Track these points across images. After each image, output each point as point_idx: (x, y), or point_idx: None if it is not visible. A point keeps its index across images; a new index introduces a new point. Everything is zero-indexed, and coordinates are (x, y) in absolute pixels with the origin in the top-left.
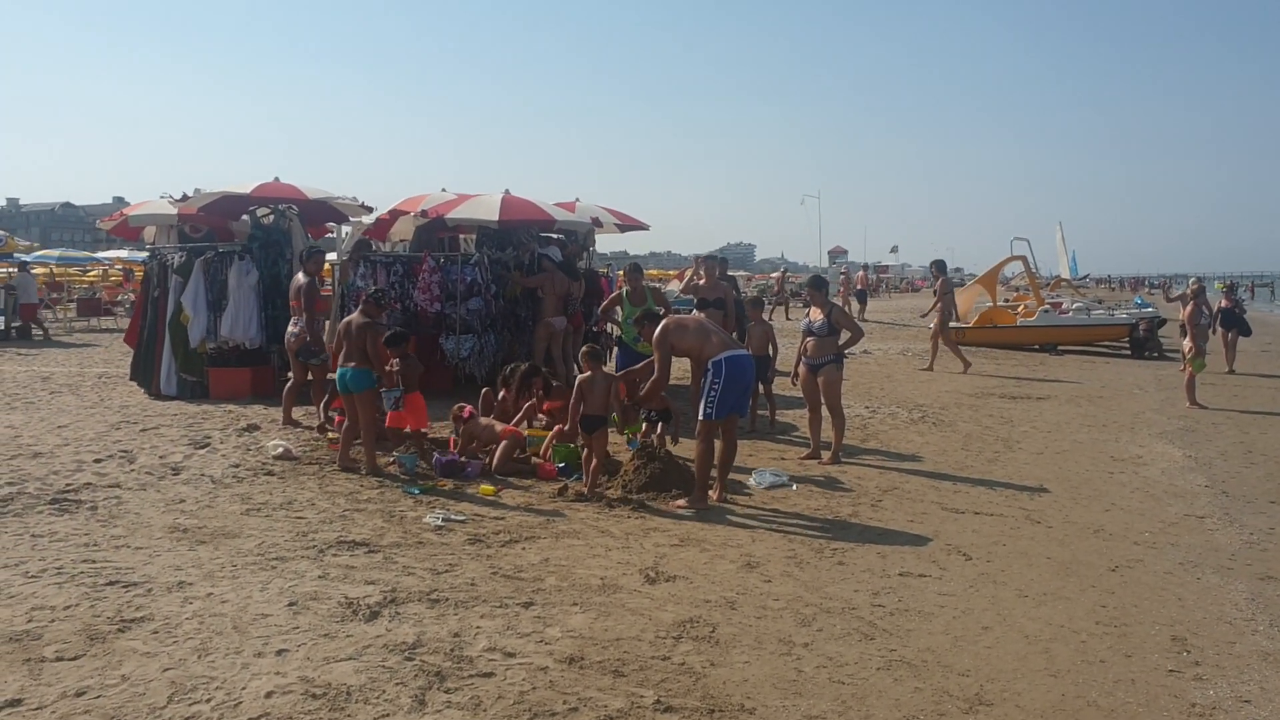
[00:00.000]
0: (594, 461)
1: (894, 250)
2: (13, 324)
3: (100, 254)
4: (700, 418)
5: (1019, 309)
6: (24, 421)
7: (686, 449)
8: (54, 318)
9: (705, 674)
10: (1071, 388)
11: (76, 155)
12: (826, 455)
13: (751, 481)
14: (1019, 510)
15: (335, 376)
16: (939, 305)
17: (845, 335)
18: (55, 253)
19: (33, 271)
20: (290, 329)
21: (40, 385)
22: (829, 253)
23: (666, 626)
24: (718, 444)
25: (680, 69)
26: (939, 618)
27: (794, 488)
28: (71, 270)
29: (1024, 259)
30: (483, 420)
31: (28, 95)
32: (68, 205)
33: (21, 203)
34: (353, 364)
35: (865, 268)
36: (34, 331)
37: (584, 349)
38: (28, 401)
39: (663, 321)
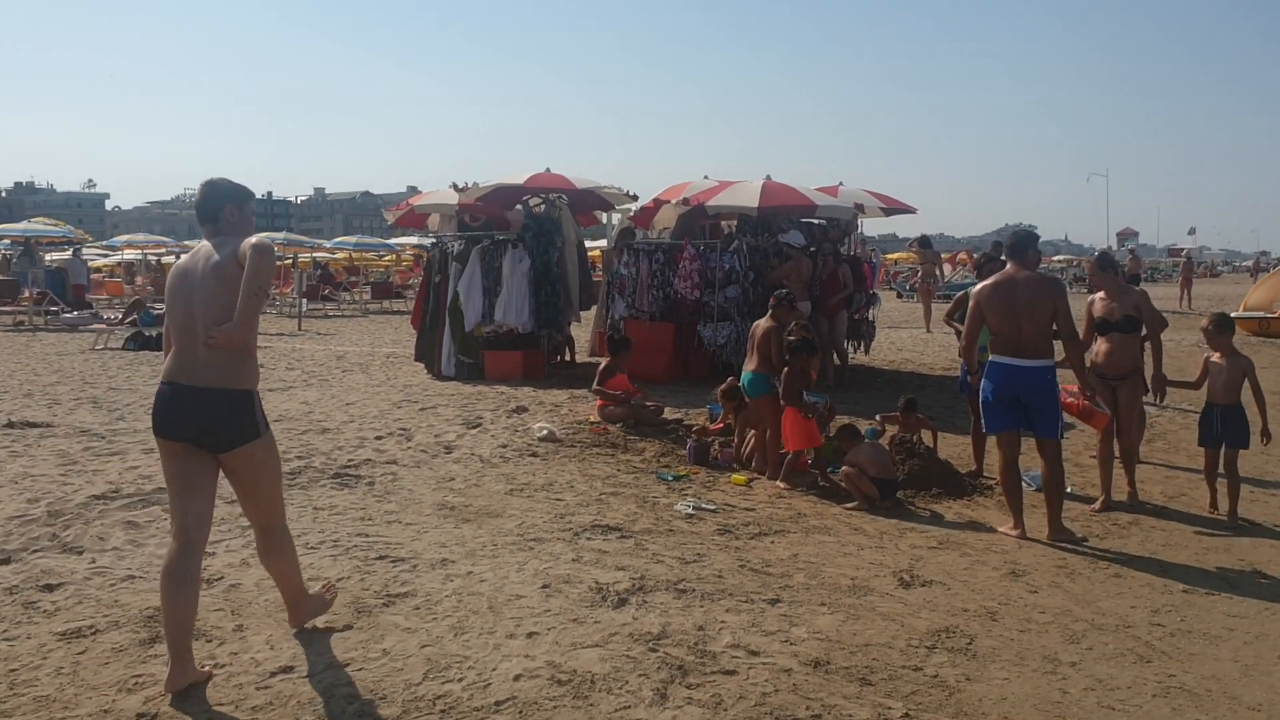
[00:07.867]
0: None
1: (1191, 232)
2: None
3: (393, 240)
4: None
5: None
6: (317, 398)
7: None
8: (350, 299)
9: (960, 689)
10: None
11: (376, 147)
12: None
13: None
14: None
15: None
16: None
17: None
18: (353, 239)
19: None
20: None
21: (334, 364)
22: (1117, 235)
23: (920, 635)
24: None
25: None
26: (1228, 642)
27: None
28: (368, 255)
29: None
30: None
31: (334, 91)
32: (367, 194)
33: (327, 192)
34: (752, 367)
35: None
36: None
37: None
38: (322, 379)
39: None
